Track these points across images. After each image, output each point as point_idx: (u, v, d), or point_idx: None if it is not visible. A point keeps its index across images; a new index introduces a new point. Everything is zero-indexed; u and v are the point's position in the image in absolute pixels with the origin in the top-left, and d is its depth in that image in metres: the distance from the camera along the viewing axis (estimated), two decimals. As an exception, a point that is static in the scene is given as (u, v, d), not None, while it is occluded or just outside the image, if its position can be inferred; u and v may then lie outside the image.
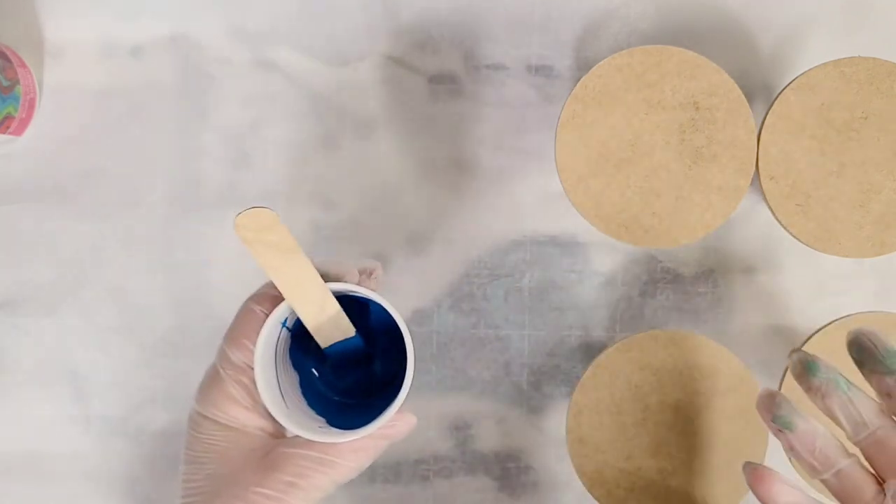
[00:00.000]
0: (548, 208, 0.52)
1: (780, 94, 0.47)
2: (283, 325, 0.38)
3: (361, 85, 0.52)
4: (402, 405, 0.37)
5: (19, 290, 0.52)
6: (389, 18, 0.51)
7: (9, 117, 0.48)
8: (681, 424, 0.47)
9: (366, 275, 0.41)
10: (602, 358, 0.47)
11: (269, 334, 0.37)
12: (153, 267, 0.52)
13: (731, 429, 0.47)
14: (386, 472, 0.53)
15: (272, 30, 0.51)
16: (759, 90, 0.51)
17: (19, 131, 0.50)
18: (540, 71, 0.52)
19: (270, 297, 0.38)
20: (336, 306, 0.38)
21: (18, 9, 0.51)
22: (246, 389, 0.38)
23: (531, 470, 0.53)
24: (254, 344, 0.37)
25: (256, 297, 0.39)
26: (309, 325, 0.38)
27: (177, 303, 0.52)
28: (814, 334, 0.47)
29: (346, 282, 0.38)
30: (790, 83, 0.46)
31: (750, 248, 0.52)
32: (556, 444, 0.53)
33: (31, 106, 0.50)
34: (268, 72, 0.51)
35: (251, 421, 0.38)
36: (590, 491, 0.47)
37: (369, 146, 0.52)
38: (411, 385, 0.37)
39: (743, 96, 0.46)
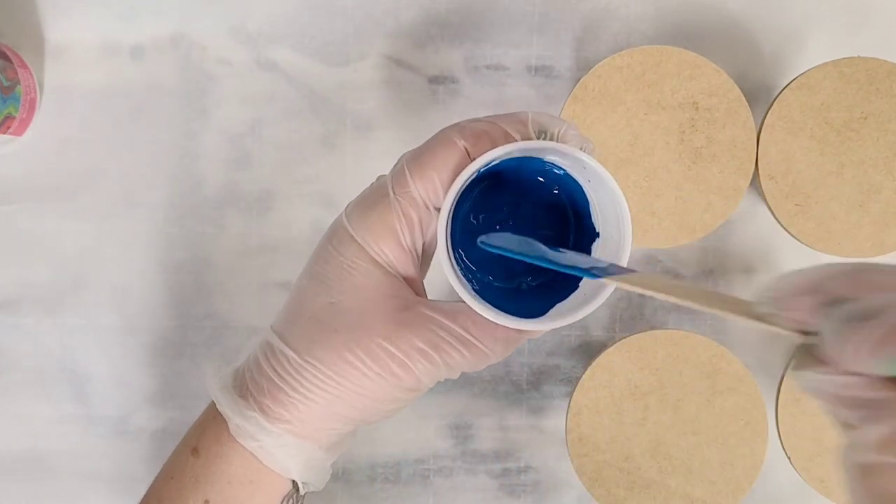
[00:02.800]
0: (548, 208, 0.52)
1: (779, 94, 0.47)
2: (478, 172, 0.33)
3: (361, 85, 0.52)
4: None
5: (19, 290, 0.52)
6: (389, 18, 0.51)
7: (9, 117, 0.48)
8: (681, 424, 0.47)
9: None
10: (602, 358, 0.47)
11: (470, 177, 0.32)
12: (153, 267, 0.52)
13: (731, 429, 0.47)
14: (386, 471, 0.53)
15: (272, 30, 0.51)
16: (758, 90, 0.51)
17: (20, 131, 0.50)
18: (540, 71, 0.52)
19: (479, 135, 0.32)
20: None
21: (19, 9, 0.51)
22: (410, 226, 0.33)
23: (531, 470, 0.53)
24: (441, 180, 0.32)
25: (462, 130, 0.33)
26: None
27: (177, 303, 0.52)
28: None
29: (566, 143, 0.33)
30: (790, 83, 0.46)
31: (750, 248, 0.52)
32: (556, 444, 0.53)
33: (31, 106, 0.50)
34: (268, 72, 0.51)
35: (401, 263, 0.33)
36: (590, 491, 0.47)
37: (369, 146, 0.52)
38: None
39: (742, 96, 0.46)
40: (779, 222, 0.47)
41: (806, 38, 0.51)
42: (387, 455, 0.53)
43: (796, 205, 0.47)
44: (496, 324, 0.33)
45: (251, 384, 0.34)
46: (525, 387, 0.53)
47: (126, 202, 0.52)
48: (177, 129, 0.52)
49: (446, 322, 0.33)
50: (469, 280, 0.35)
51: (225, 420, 0.35)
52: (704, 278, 0.52)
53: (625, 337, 0.48)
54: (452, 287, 0.32)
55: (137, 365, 0.52)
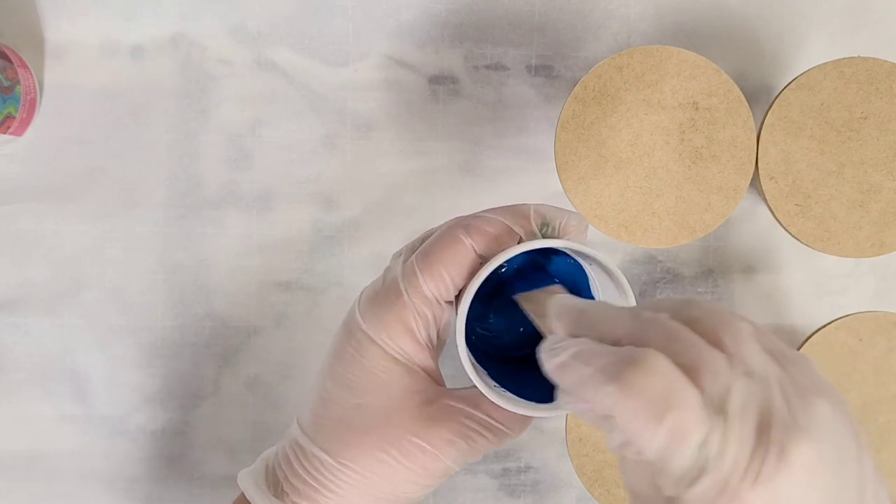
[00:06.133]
0: (548, 208, 0.52)
1: (779, 94, 0.47)
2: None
3: (361, 85, 0.52)
4: None
5: (19, 290, 0.52)
6: (389, 18, 0.51)
7: (9, 117, 0.48)
8: (681, 424, 0.47)
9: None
10: (602, 358, 0.47)
11: (481, 280, 0.33)
12: (153, 267, 0.52)
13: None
14: (386, 471, 0.53)
15: (272, 30, 0.51)
16: (758, 90, 0.51)
17: (20, 131, 0.50)
18: (540, 71, 0.52)
19: (485, 234, 0.34)
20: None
21: (19, 9, 0.51)
22: (426, 324, 0.34)
23: (531, 470, 0.53)
24: (451, 277, 0.33)
25: (468, 228, 0.34)
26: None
27: (177, 303, 0.52)
28: (813, 334, 0.47)
29: (570, 236, 0.35)
30: (790, 83, 0.46)
31: (750, 248, 0.52)
32: (556, 444, 0.53)
33: (31, 106, 0.50)
34: (268, 72, 0.51)
35: (420, 359, 0.35)
36: (590, 491, 0.47)
37: (369, 146, 0.52)
38: None
39: (742, 96, 0.46)
40: (779, 222, 0.47)
41: (806, 38, 0.51)
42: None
43: (796, 205, 0.47)
44: (542, 415, 0.34)
45: (286, 485, 0.36)
46: (525, 387, 0.53)
47: (126, 202, 0.52)
48: (177, 129, 0.52)
49: (471, 411, 0.34)
50: (479, 360, 0.36)
51: None
52: (704, 278, 0.52)
53: (625, 337, 0.48)
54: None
55: (137, 365, 0.52)
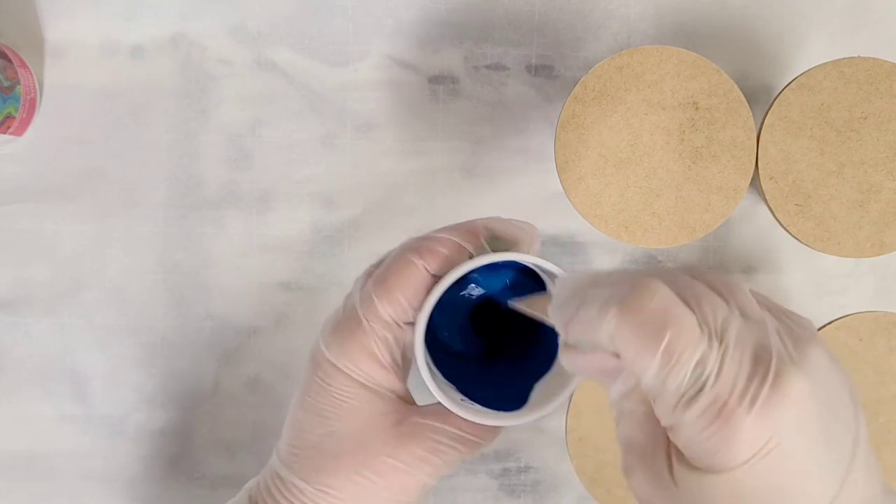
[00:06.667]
0: (548, 208, 0.52)
1: (779, 94, 0.47)
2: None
3: (361, 85, 0.52)
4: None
5: (19, 290, 0.52)
6: (389, 18, 0.51)
7: (9, 117, 0.48)
8: (681, 424, 0.47)
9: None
10: (602, 358, 0.47)
11: (434, 301, 0.34)
12: (153, 267, 0.52)
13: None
14: (386, 471, 0.53)
15: (272, 30, 0.51)
16: (758, 90, 0.51)
17: (20, 131, 0.50)
18: (540, 71, 0.52)
19: (437, 254, 0.35)
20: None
21: (19, 9, 0.51)
22: (388, 347, 0.35)
23: (531, 470, 0.53)
24: (407, 299, 0.34)
25: (420, 251, 0.35)
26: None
27: (177, 303, 0.52)
28: (813, 334, 0.47)
29: (520, 248, 0.36)
30: (790, 83, 0.46)
31: (750, 248, 0.52)
32: (556, 444, 0.53)
33: (31, 106, 0.50)
34: (268, 72, 0.51)
35: (386, 381, 0.36)
36: (590, 491, 0.47)
37: (369, 146, 0.52)
38: None
39: (742, 96, 0.46)
40: (779, 222, 0.47)
41: (806, 38, 0.51)
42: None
43: (796, 205, 0.47)
44: (509, 424, 0.35)
45: None
46: (525, 387, 0.53)
47: (126, 202, 0.52)
48: (177, 129, 0.52)
49: (441, 426, 0.36)
50: (446, 375, 0.37)
51: None
52: (704, 278, 0.52)
53: (625, 337, 0.48)
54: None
55: (137, 365, 0.52)
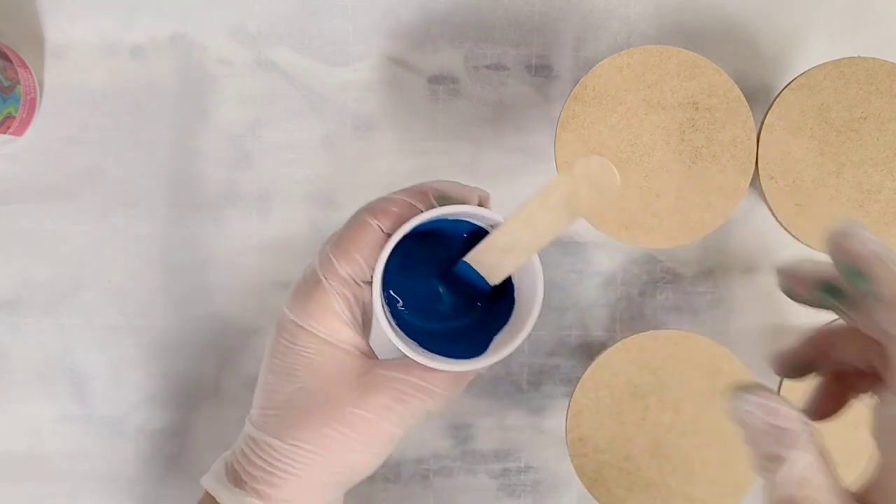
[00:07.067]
0: (548, 208, 0.52)
1: (779, 94, 0.47)
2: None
3: (361, 85, 0.52)
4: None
5: (19, 290, 0.52)
6: (389, 18, 0.51)
7: (9, 117, 0.48)
8: (681, 424, 0.47)
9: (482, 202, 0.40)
10: (602, 358, 0.47)
11: (389, 253, 0.36)
12: (153, 267, 0.52)
13: (731, 429, 0.47)
14: (386, 471, 0.53)
15: (272, 30, 0.51)
16: (758, 90, 0.51)
17: (20, 131, 0.50)
18: (540, 71, 0.52)
19: (389, 213, 0.37)
20: (519, 264, 0.37)
21: (19, 9, 0.51)
22: (348, 304, 0.37)
23: (531, 470, 0.53)
24: (364, 258, 0.36)
25: (373, 211, 0.37)
26: (485, 249, 0.37)
27: (177, 303, 0.52)
28: (813, 334, 0.47)
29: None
30: (790, 83, 0.46)
31: (750, 248, 0.52)
32: (556, 444, 0.53)
33: (31, 106, 0.50)
34: (268, 72, 0.51)
35: (349, 337, 0.37)
36: (590, 491, 0.47)
37: (369, 146, 0.52)
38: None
39: (742, 96, 0.46)
40: (779, 222, 0.47)
41: (806, 38, 0.51)
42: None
43: (796, 205, 0.47)
44: (465, 369, 0.37)
45: (244, 475, 0.37)
46: (525, 387, 0.53)
47: (126, 202, 0.52)
48: (177, 128, 0.52)
49: (403, 377, 0.37)
50: (412, 336, 0.39)
51: None
52: (704, 278, 0.52)
53: (625, 337, 0.48)
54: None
55: (137, 365, 0.52)
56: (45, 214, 0.52)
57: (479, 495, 0.53)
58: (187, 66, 0.51)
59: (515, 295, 0.39)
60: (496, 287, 0.39)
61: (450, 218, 0.38)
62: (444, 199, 0.38)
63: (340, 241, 0.37)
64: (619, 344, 0.47)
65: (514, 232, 0.36)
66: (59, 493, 0.53)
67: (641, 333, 0.47)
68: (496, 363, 0.37)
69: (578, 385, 0.47)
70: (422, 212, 0.37)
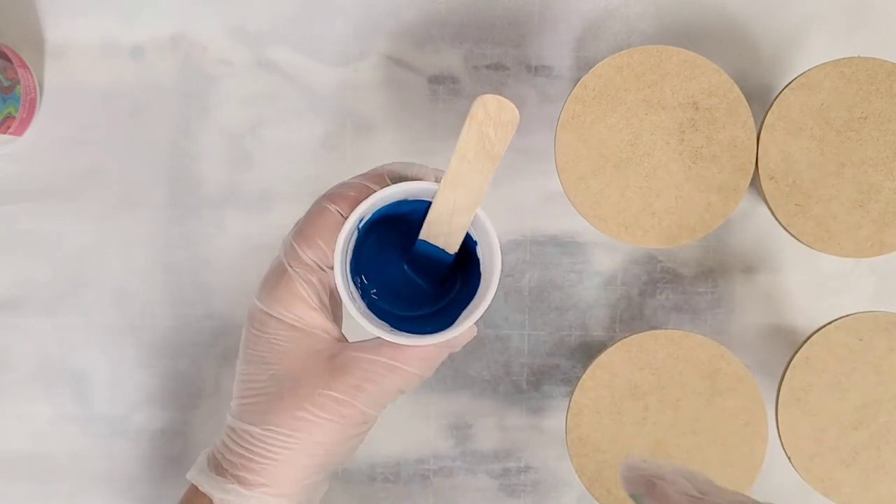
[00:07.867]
0: (548, 208, 0.52)
1: (779, 94, 0.47)
2: (357, 226, 0.38)
3: (361, 85, 0.52)
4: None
5: (19, 290, 0.52)
6: (389, 18, 0.51)
7: (9, 117, 0.48)
8: (681, 424, 0.47)
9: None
10: (602, 358, 0.47)
11: (349, 233, 0.37)
12: (153, 267, 0.52)
13: (731, 429, 0.47)
14: (386, 471, 0.53)
15: (272, 30, 0.51)
16: (758, 90, 0.51)
17: (20, 131, 0.50)
18: (540, 71, 0.52)
19: (347, 197, 0.38)
20: (465, 224, 0.38)
21: (19, 9, 0.51)
22: (314, 289, 0.38)
23: (531, 470, 0.53)
24: (326, 243, 0.37)
25: (331, 197, 0.38)
26: (433, 220, 0.38)
27: (177, 303, 0.52)
28: (813, 334, 0.47)
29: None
30: (790, 83, 0.46)
31: (749, 248, 0.52)
32: (556, 444, 0.53)
33: (31, 106, 0.50)
34: (268, 72, 0.52)
35: (317, 322, 0.38)
36: (590, 491, 0.47)
37: (369, 146, 0.52)
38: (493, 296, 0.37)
39: (742, 96, 0.46)
40: (779, 222, 0.47)
41: (806, 38, 0.51)
42: (387, 455, 0.53)
43: (796, 205, 0.47)
44: (415, 346, 0.37)
45: (225, 463, 0.38)
46: (525, 387, 0.53)
47: (126, 202, 0.52)
48: (177, 129, 0.52)
49: (372, 357, 0.37)
50: (382, 318, 0.39)
51: (209, 499, 0.38)
52: (704, 278, 0.52)
53: (625, 337, 0.48)
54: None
55: (137, 365, 0.52)
56: (46, 214, 0.52)
57: (479, 495, 0.53)
58: (187, 66, 0.51)
59: (481, 270, 0.40)
60: (466, 266, 0.39)
61: (410, 199, 0.38)
62: (400, 181, 0.38)
63: (302, 228, 0.38)
64: (618, 344, 0.47)
65: (448, 196, 0.37)
66: (59, 493, 0.53)
67: (641, 333, 0.47)
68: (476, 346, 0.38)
69: (578, 385, 0.47)
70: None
